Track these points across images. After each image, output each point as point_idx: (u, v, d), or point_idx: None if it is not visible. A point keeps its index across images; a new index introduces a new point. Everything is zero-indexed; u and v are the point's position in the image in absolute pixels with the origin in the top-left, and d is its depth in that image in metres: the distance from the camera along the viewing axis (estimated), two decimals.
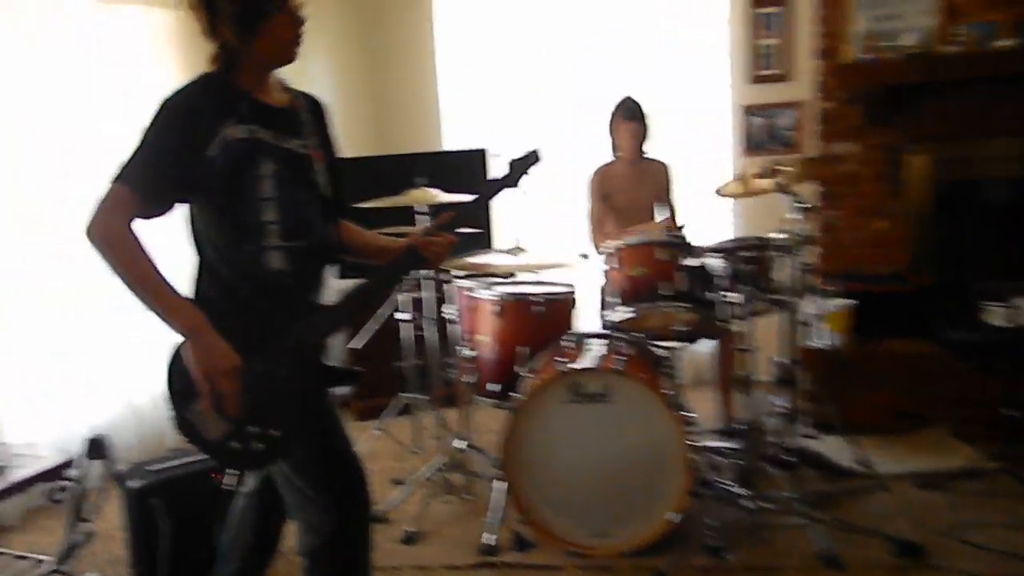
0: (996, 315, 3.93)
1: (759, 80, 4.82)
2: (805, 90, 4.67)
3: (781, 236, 3.45)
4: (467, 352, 3.53)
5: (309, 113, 2.11)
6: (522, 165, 2.14)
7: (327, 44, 5.19)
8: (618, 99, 4.09)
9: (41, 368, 3.72)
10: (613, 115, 4.10)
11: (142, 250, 1.85)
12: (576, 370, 2.93)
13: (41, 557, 3.00)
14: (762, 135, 4.85)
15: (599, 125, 4.20)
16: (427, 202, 3.51)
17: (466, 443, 3.53)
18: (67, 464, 2.85)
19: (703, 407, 3.93)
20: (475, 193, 2.15)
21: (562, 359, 2.98)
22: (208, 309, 1.94)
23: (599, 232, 4.11)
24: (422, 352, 3.94)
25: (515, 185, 2.13)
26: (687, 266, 3.09)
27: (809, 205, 3.29)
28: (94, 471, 3.14)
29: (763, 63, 4.79)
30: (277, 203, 1.95)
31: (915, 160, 4.36)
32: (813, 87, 4.58)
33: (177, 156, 1.87)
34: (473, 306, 3.54)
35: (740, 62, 4.85)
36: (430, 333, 3.77)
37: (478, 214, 2.30)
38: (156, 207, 1.90)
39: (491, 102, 5.34)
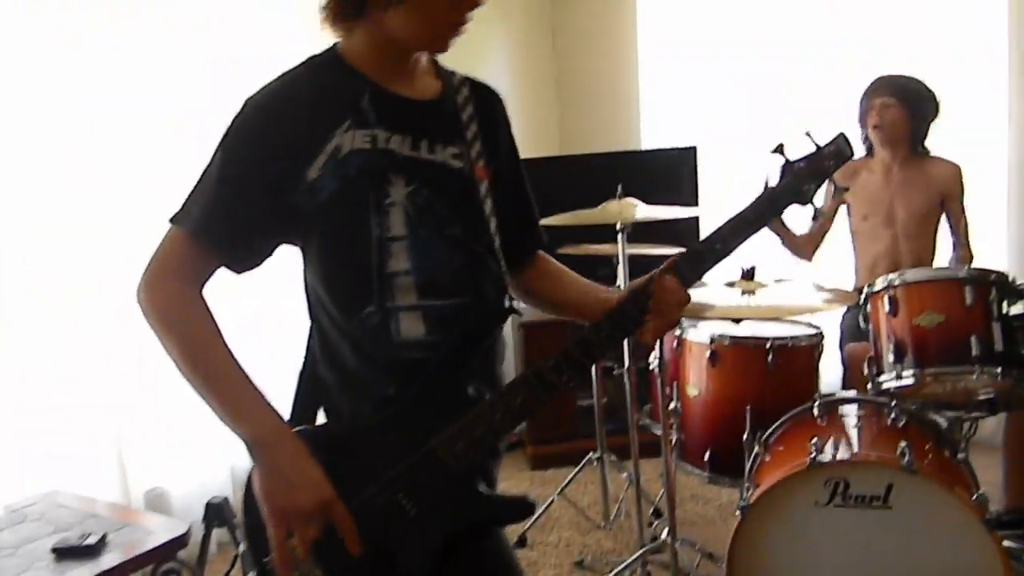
0: None
1: None
2: None
3: None
4: (672, 405, 2.77)
5: (475, 109, 1.39)
6: (818, 165, 1.32)
7: (505, 20, 4.50)
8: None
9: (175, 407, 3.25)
10: (863, 98, 3.19)
11: (203, 324, 1.24)
12: (843, 462, 2.08)
13: None
14: None
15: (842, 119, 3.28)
16: (628, 219, 2.72)
17: (668, 529, 2.72)
18: (182, 539, 2.29)
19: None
20: (740, 214, 1.33)
21: (816, 439, 2.14)
22: (319, 400, 1.34)
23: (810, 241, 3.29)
24: (615, 398, 3.18)
25: (807, 200, 1.33)
26: (1008, 315, 2.16)
27: None
28: (215, 538, 2.62)
29: None
30: (412, 243, 1.27)
31: None
32: None
33: (263, 184, 1.24)
34: (681, 347, 2.78)
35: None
36: (627, 375, 3.01)
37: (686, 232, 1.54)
38: (237, 259, 1.28)
39: (702, 92, 4.43)
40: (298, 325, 1.42)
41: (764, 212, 1.31)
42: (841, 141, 1.31)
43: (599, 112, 4.75)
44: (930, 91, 3.11)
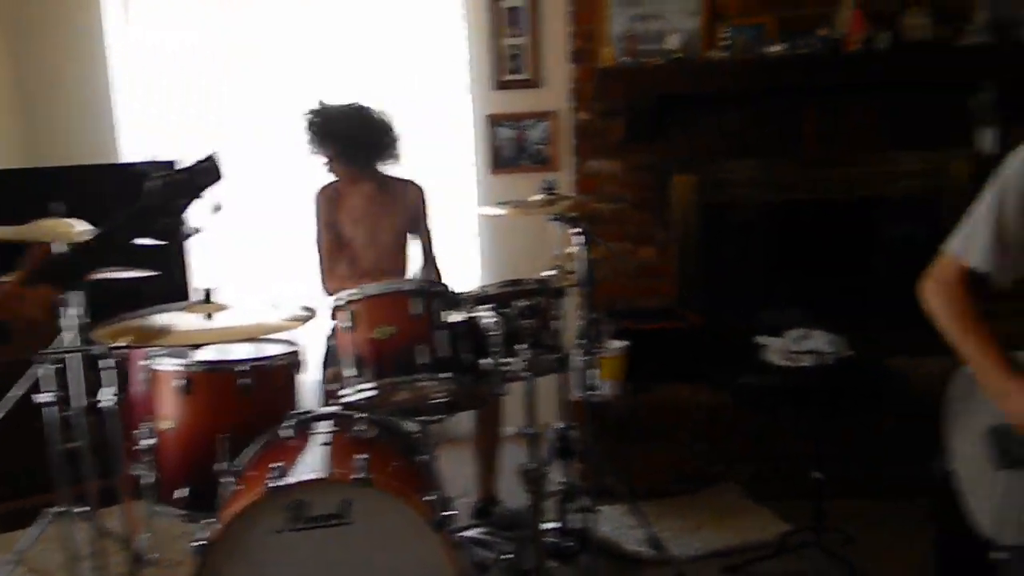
0: (773, 352, 3.54)
1: (505, 86, 4.15)
2: (559, 98, 4.07)
3: (556, 275, 2.82)
4: (145, 442, 2.52)
5: None
6: (188, 183, 1.24)
7: None
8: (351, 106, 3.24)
9: None
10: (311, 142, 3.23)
11: None
12: (300, 484, 2.02)
13: None
14: (512, 149, 4.19)
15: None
16: (67, 238, 2.42)
17: None
18: None
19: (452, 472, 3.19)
20: (108, 227, 1.21)
21: (276, 463, 2.06)
22: None
23: (331, 273, 3.22)
24: (75, 444, 2.82)
25: (177, 215, 1.23)
26: (450, 323, 2.29)
27: (591, 235, 2.64)
28: None
29: (509, 66, 4.14)
30: None
31: (679, 181, 3.89)
32: (568, 95, 3.99)
33: None
34: (152, 379, 2.55)
35: (481, 64, 4.16)
36: (86, 418, 2.68)
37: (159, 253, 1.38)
38: None
39: (183, 107, 4.23)
40: None
41: (133, 225, 1.20)
42: (211, 163, 1.25)
43: (69, 122, 4.25)
44: (373, 128, 3.20)
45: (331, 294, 3.13)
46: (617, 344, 3.50)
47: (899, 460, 3.19)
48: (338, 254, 3.26)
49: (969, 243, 1.71)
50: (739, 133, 3.83)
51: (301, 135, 3.19)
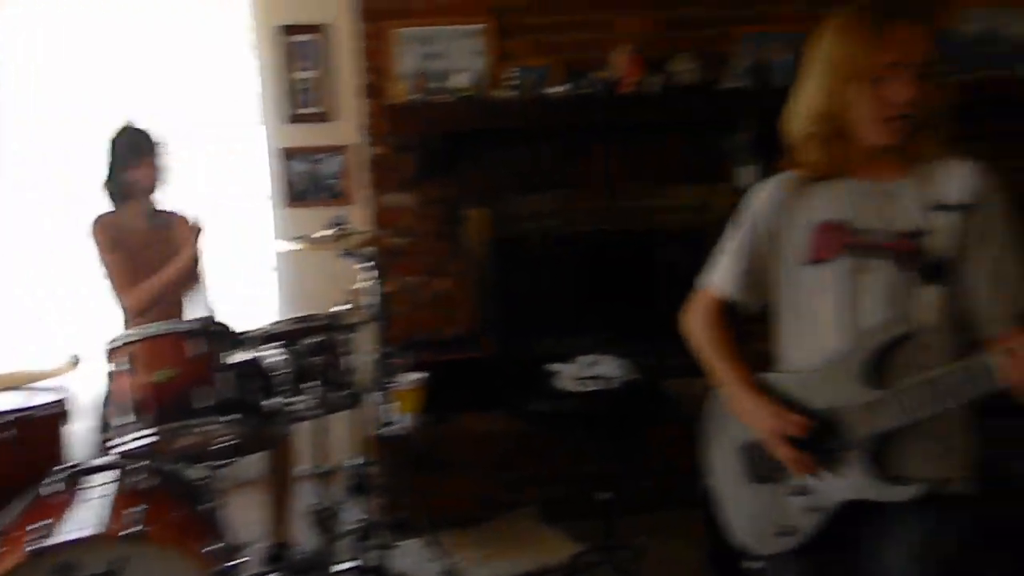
0: (565, 379, 3.68)
1: (297, 119, 4.10)
2: (353, 132, 4.06)
3: (349, 309, 2.80)
4: None
5: None
6: None
7: None
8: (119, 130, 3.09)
9: None
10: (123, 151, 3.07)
11: None
12: (61, 546, 1.88)
13: None
14: (305, 183, 4.13)
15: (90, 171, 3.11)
16: None
17: None
18: None
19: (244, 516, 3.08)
20: None
21: (40, 522, 1.92)
22: None
23: (130, 289, 2.96)
24: None
25: None
26: (233, 363, 2.22)
27: (381, 269, 2.65)
28: None
29: (301, 99, 4.09)
30: None
31: (472, 215, 3.99)
32: (360, 130, 3.99)
33: None
34: None
35: (273, 98, 4.09)
36: None
37: None
38: None
39: None
40: None
41: None
42: None
43: None
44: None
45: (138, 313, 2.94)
46: (415, 376, 3.52)
47: (683, 473, 3.39)
48: (134, 275, 3.02)
49: (719, 274, 1.87)
50: (528, 169, 3.97)
51: (128, 150, 3.03)
